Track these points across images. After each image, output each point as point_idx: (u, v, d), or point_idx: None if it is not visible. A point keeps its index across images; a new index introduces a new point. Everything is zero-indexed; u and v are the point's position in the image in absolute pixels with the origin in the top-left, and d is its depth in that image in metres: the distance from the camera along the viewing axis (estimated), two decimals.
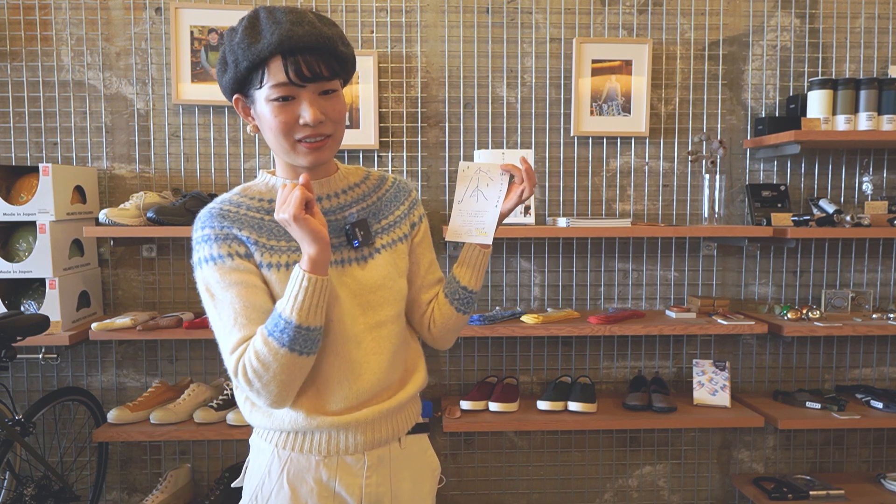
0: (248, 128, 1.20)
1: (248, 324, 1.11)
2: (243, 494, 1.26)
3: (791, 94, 2.57)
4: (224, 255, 1.13)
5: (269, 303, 1.14)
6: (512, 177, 1.32)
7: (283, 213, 1.08)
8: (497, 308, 2.54)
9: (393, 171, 2.53)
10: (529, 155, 2.37)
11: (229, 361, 1.11)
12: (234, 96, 1.17)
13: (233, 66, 1.11)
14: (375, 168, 2.52)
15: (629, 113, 2.51)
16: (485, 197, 1.33)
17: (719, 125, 2.57)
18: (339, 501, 1.21)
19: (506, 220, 2.32)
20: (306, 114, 1.11)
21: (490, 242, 1.32)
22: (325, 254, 1.10)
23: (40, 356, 2.44)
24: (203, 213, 1.17)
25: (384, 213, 1.28)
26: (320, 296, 1.09)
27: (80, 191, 2.37)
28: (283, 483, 1.19)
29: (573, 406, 2.36)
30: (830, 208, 2.46)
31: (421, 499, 1.32)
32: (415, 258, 1.33)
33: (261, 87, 1.11)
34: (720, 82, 2.56)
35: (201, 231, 1.15)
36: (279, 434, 1.21)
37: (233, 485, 1.34)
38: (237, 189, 1.23)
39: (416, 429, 1.33)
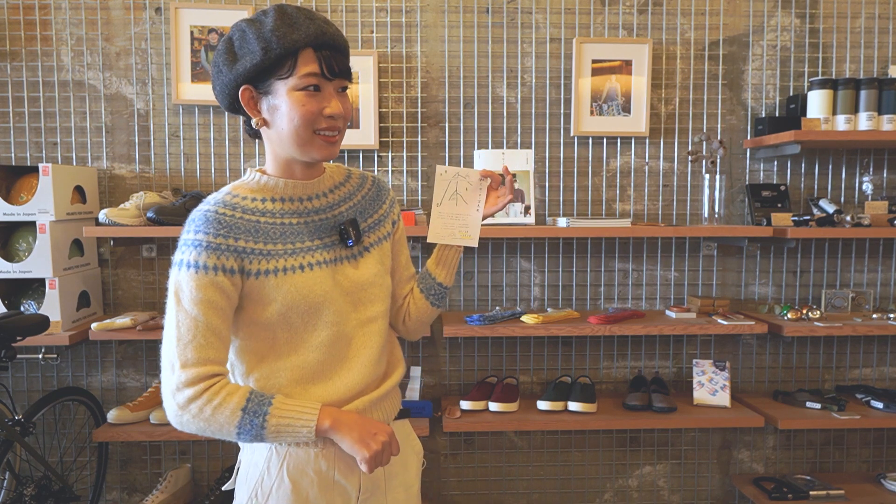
0: (254, 121, 1.19)
1: (204, 345, 1.10)
2: (237, 495, 1.26)
3: (791, 94, 2.57)
4: (210, 265, 1.11)
5: (227, 331, 1.15)
6: (489, 181, 1.41)
7: (380, 440, 1.16)
8: (497, 308, 2.54)
9: (393, 171, 2.53)
10: (530, 155, 2.38)
11: (179, 375, 1.09)
12: (243, 87, 1.16)
13: (261, 53, 1.12)
14: (370, 169, 2.52)
15: (629, 113, 2.51)
16: (464, 201, 1.41)
17: (719, 125, 2.57)
18: (339, 490, 1.23)
19: (506, 220, 2.34)
20: (334, 105, 1.16)
21: (476, 244, 1.41)
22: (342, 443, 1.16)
23: (40, 356, 2.44)
24: (198, 216, 1.15)
25: (369, 212, 1.32)
26: (295, 440, 1.15)
27: (80, 191, 2.37)
28: (284, 477, 1.20)
29: (573, 406, 2.36)
30: (830, 208, 2.46)
31: (410, 480, 1.36)
32: (394, 255, 1.39)
33: (288, 77, 1.13)
34: (720, 82, 2.56)
35: (194, 235, 1.13)
36: None
37: (224, 487, 1.35)
38: (227, 189, 1.21)
39: (400, 414, 1.37)
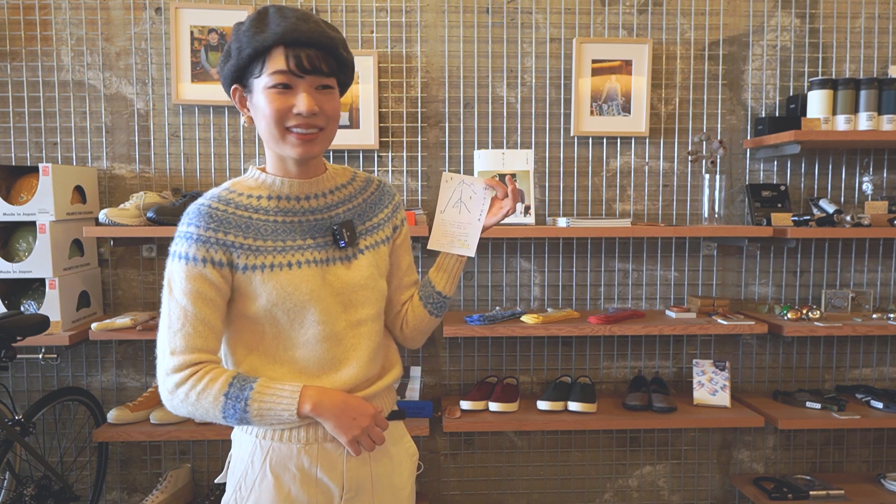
0: (243, 119, 1.23)
1: (193, 334, 1.15)
2: (227, 487, 1.28)
3: (791, 94, 2.57)
4: (199, 258, 1.15)
5: (218, 322, 1.18)
6: (495, 192, 1.39)
7: (360, 425, 1.18)
8: (497, 308, 2.54)
9: (393, 171, 2.53)
10: (530, 155, 2.38)
11: (169, 361, 1.15)
12: (233, 86, 1.21)
13: (236, 54, 1.16)
14: (370, 169, 2.52)
15: (629, 113, 2.51)
16: (467, 209, 1.39)
17: (719, 125, 2.57)
18: (321, 487, 1.23)
19: (506, 220, 2.33)
20: (301, 103, 1.15)
21: (473, 255, 1.39)
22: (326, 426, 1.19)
23: (40, 356, 2.43)
24: (192, 209, 1.20)
25: (368, 216, 1.32)
26: (281, 423, 1.17)
27: (80, 191, 2.37)
28: (266, 471, 1.22)
29: (573, 406, 2.36)
30: (830, 208, 2.46)
31: (401, 483, 1.35)
32: (395, 260, 1.38)
33: (260, 76, 1.15)
34: (720, 82, 2.56)
35: (186, 227, 1.18)
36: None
37: (216, 480, 1.37)
38: (226, 185, 1.25)
39: (392, 416, 1.36)
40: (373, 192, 1.35)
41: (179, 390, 1.13)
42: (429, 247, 1.40)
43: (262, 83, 1.15)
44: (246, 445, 1.24)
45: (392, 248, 1.37)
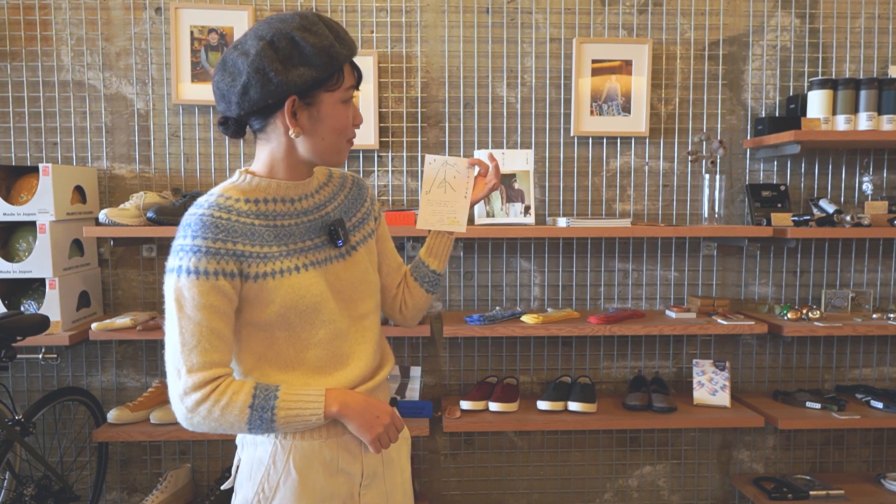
0: (292, 132, 1.17)
1: (209, 349, 1.12)
2: (240, 492, 1.26)
3: (791, 94, 2.57)
4: (210, 271, 1.12)
5: (230, 333, 1.17)
6: (478, 170, 1.46)
7: (382, 423, 1.23)
8: (497, 308, 2.54)
9: (393, 171, 2.53)
10: (529, 155, 2.38)
11: (185, 380, 1.11)
12: (291, 97, 1.14)
13: (322, 67, 1.13)
14: (370, 169, 2.52)
15: (629, 113, 2.51)
16: (452, 188, 1.45)
17: (719, 125, 2.57)
18: (343, 477, 1.26)
19: (506, 220, 2.34)
20: (359, 115, 1.26)
21: (464, 230, 1.45)
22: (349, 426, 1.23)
23: (40, 356, 2.43)
24: (192, 220, 1.14)
25: (353, 211, 1.35)
26: (306, 427, 1.19)
27: (80, 191, 2.37)
28: (290, 469, 1.22)
29: (573, 406, 2.36)
30: (830, 208, 2.46)
31: (403, 465, 1.41)
32: (381, 249, 1.43)
33: (334, 90, 1.18)
34: (720, 82, 2.56)
35: (192, 240, 1.12)
36: None
37: (223, 486, 1.36)
38: (217, 191, 1.20)
39: (390, 404, 1.40)
40: (351, 188, 1.37)
41: (201, 408, 1.11)
42: (418, 226, 1.45)
43: (336, 97, 1.18)
44: (263, 447, 1.24)
45: (376, 238, 1.41)
